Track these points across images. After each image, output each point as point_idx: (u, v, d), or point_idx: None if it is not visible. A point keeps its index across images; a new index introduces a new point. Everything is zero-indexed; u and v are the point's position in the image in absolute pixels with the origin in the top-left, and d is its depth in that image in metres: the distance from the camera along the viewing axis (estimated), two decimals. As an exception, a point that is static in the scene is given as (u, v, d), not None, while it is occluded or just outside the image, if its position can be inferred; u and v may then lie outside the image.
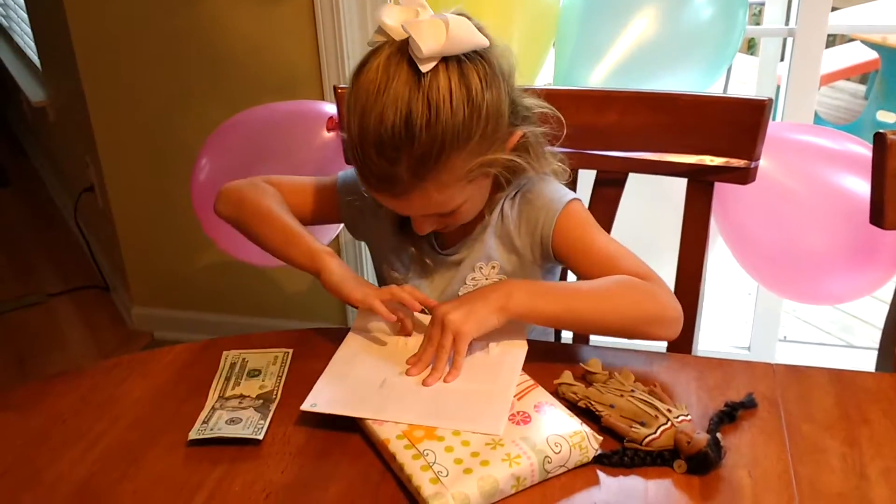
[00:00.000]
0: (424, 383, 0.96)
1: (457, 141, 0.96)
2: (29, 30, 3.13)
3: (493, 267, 1.12)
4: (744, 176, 1.16)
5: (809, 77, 1.86)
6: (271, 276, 2.42)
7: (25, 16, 3.11)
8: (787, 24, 2.02)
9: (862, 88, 4.50)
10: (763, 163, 1.20)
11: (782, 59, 2.13)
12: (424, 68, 0.92)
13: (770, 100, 1.12)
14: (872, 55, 4.06)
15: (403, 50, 0.94)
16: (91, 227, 2.96)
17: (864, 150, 1.28)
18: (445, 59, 0.94)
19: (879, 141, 1.03)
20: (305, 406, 0.93)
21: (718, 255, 1.70)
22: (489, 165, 1.01)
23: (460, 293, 1.14)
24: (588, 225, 1.10)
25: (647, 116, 1.21)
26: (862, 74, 4.39)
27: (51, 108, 3.06)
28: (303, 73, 2.09)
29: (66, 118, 2.82)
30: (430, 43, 0.91)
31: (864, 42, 4.07)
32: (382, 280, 1.23)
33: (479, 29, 0.98)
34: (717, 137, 1.17)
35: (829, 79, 4.24)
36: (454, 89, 0.94)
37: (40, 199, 3.66)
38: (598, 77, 1.48)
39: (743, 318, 2.34)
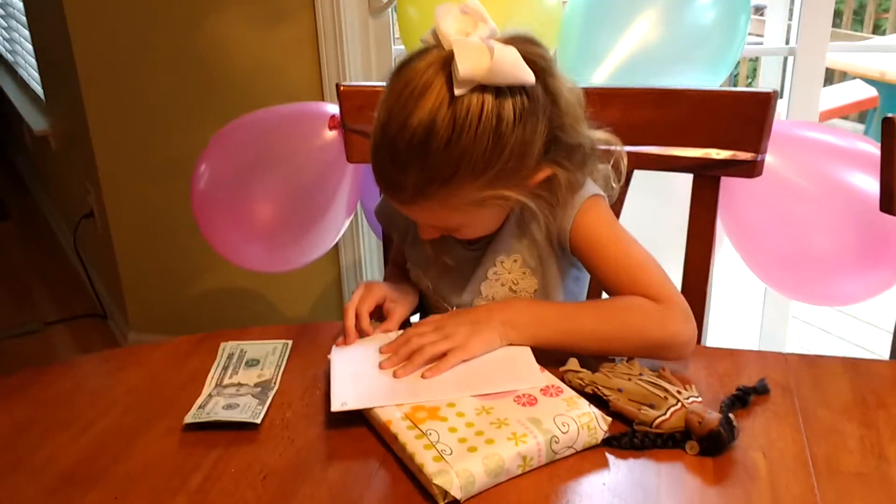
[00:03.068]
0: (395, 374, 0.93)
1: (471, 169, 0.92)
2: (34, 61, 3.17)
3: (515, 260, 1.10)
4: (750, 169, 1.15)
5: (811, 94, 1.87)
6: (272, 302, 2.40)
7: (31, 47, 3.14)
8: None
9: (860, 127, 4.52)
10: (770, 160, 1.19)
11: (781, 97, 2.13)
12: (458, 92, 0.89)
13: (775, 91, 1.11)
14: (871, 93, 4.08)
15: (447, 62, 0.90)
16: (90, 254, 2.95)
17: (873, 149, 1.27)
18: (483, 87, 0.90)
19: (888, 126, 1.02)
20: (336, 407, 0.88)
21: (724, 265, 1.68)
22: (503, 199, 0.98)
23: (482, 288, 1.11)
24: (608, 224, 1.06)
25: (652, 112, 1.20)
26: (860, 112, 4.41)
27: (52, 137, 3.07)
28: (305, 95, 2.10)
29: (68, 146, 2.83)
30: (468, 68, 0.87)
31: (863, 79, 4.09)
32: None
33: (539, 60, 0.93)
34: (722, 131, 1.15)
35: (827, 116, 4.25)
36: (484, 117, 0.90)
37: (40, 231, 3.66)
38: (598, 81, 1.48)
39: (750, 335, 2.30)
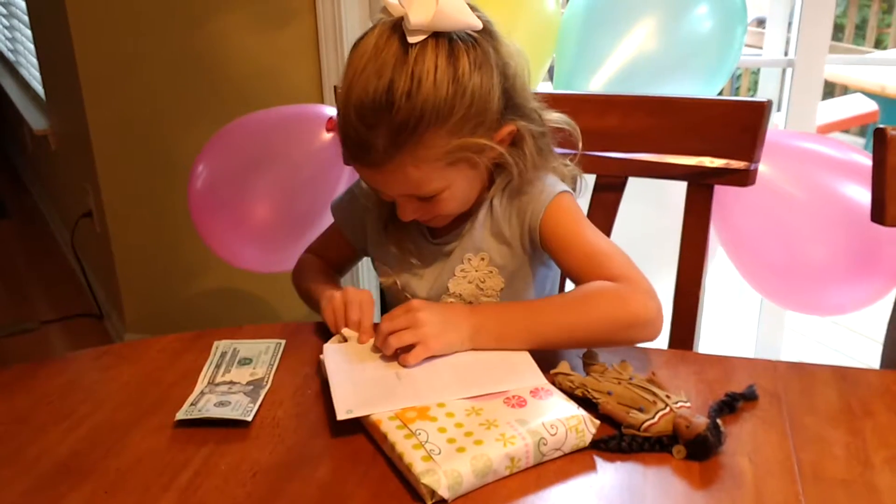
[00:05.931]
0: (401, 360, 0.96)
1: (436, 116, 0.96)
2: (35, 61, 3.18)
3: (483, 258, 1.11)
4: (743, 178, 1.16)
5: (808, 107, 1.88)
6: (269, 304, 2.40)
7: (32, 47, 3.15)
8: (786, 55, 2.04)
9: (861, 140, 4.53)
10: (764, 169, 1.19)
11: (779, 109, 2.15)
12: (412, 40, 0.94)
13: (769, 101, 1.12)
14: (871, 107, 4.09)
15: (398, 26, 0.96)
16: (87, 254, 2.96)
17: (866, 160, 1.27)
18: (436, 37, 0.95)
19: (879, 137, 1.03)
20: (341, 415, 0.87)
21: (721, 276, 1.68)
22: (472, 150, 1.01)
23: (450, 285, 1.13)
24: (576, 218, 1.08)
25: (647, 120, 1.21)
26: (860, 126, 4.42)
27: (52, 137, 3.08)
28: (305, 98, 2.10)
29: (68, 145, 2.84)
30: (419, 15, 0.94)
31: (863, 93, 4.10)
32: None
33: (484, 21, 0.99)
34: (716, 139, 1.16)
35: (827, 130, 4.26)
36: (440, 65, 0.95)
37: (38, 231, 3.66)
38: (595, 88, 1.49)
39: (746, 346, 2.30)
